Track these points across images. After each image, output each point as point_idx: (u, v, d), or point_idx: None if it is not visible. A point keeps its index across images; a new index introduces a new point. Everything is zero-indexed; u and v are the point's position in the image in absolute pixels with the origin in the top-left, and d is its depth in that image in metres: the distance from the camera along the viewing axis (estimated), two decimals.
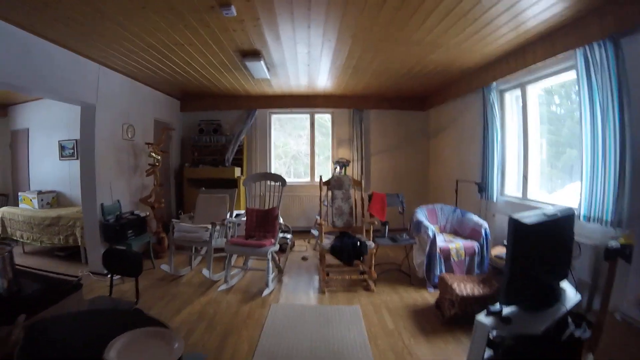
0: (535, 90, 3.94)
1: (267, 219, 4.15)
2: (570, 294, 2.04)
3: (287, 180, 6.80)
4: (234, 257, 4.32)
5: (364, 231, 4.16)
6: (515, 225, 1.68)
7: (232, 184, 6.11)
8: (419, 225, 4.05)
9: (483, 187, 4.48)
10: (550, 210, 1.92)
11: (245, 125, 6.54)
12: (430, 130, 6.79)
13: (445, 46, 3.70)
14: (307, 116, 6.90)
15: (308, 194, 6.61)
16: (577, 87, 2.99)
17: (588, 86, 2.77)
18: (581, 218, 2.86)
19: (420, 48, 3.78)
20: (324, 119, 6.98)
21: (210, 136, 6.51)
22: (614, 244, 2.35)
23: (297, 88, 5.92)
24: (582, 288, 2.75)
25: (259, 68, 4.34)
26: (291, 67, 4.61)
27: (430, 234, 3.76)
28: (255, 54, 4.01)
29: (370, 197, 4.93)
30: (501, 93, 4.38)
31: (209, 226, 4.08)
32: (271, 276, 3.85)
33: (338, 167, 6.20)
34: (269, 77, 4.92)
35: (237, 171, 6.29)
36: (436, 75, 4.94)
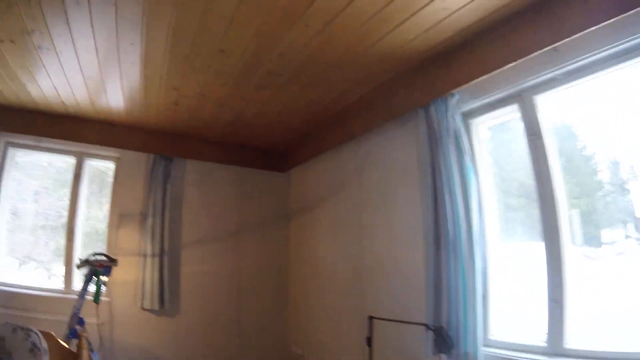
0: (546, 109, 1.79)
1: None
2: None
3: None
4: None
5: None
6: None
7: None
8: None
9: (446, 336, 1.78)
10: None
11: None
12: (294, 206, 3.76)
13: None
14: (72, 161, 3.14)
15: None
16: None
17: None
18: None
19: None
20: (105, 170, 3.31)
21: None
22: None
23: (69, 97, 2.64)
24: None
25: None
26: None
27: None
28: None
29: None
30: (465, 118, 2.09)
31: None
32: None
33: (85, 274, 2.40)
34: None
35: None
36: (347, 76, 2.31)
